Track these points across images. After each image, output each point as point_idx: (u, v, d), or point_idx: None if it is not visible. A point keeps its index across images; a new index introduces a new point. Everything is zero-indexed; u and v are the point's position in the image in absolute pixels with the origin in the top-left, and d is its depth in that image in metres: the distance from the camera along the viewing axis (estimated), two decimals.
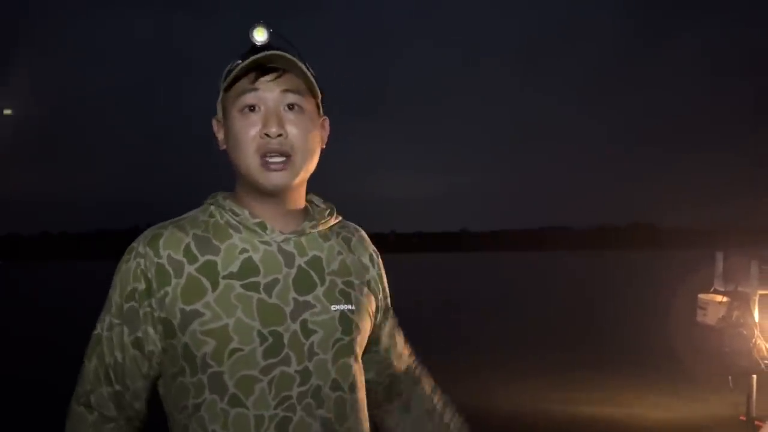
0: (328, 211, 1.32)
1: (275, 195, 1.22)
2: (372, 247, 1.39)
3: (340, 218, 1.35)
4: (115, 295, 1.21)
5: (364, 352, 1.36)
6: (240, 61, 1.19)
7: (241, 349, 1.14)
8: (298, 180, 1.22)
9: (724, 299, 6.00)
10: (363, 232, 1.40)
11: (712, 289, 6.35)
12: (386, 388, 1.44)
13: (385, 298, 1.40)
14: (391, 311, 1.45)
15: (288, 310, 1.18)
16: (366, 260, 1.36)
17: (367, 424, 1.29)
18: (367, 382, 1.37)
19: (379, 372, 1.42)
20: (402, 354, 1.46)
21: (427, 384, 1.50)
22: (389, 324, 1.43)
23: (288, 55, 1.17)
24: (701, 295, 6.45)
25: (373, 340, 1.38)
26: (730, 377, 5.87)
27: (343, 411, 1.21)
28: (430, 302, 18.77)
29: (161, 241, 1.19)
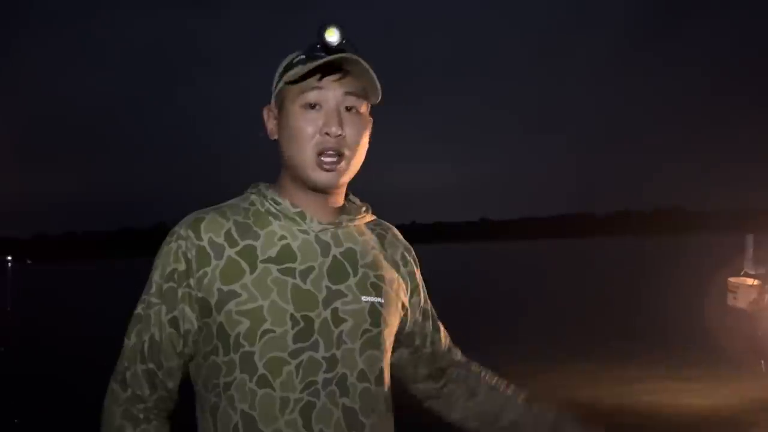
0: (363, 208, 1.35)
1: (321, 191, 1.26)
2: (405, 245, 1.42)
3: (374, 217, 1.38)
4: (155, 276, 1.24)
5: (413, 351, 1.41)
6: (303, 56, 1.22)
7: (272, 331, 1.17)
8: (344, 179, 1.26)
9: (756, 282, 5.90)
10: (396, 231, 1.42)
11: (742, 273, 6.25)
12: (435, 376, 1.45)
13: (418, 295, 1.41)
14: (430, 307, 1.46)
15: (321, 297, 1.21)
16: (398, 257, 1.38)
17: (391, 421, 1.29)
18: (419, 378, 1.43)
19: (429, 367, 1.44)
20: (448, 347, 1.48)
21: (477, 366, 1.50)
22: (430, 320, 1.45)
23: (362, 61, 1.19)
24: (732, 279, 6.36)
25: (416, 337, 1.41)
26: (762, 361, 5.77)
27: (369, 403, 1.22)
28: (454, 295, 18.73)
29: (203, 225, 1.23)
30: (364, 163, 1.30)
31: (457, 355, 1.49)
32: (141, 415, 1.23)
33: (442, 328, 1.48)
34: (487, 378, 1.47)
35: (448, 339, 1.49)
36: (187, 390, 1.31)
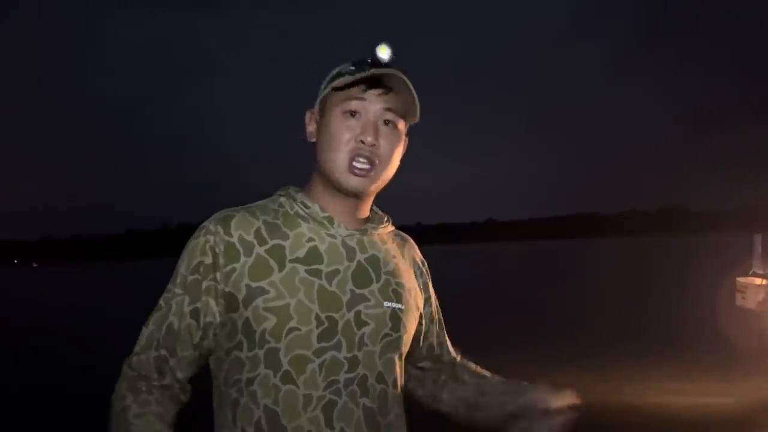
0: (385, 219, 1.41)
1: (350, 196, 1.31)
2: (420, 256, 1.49)
3: (394, 228, 1.44)
4: (181, 268, 1.28)
5: (434, 360, 1.50)
6: (353, 67, 1.28)
7: (298, 329, 1.20)
8: (374, 188, 1.31)
9: (764, 282, 5.87)
10: (413, 243, 1.49)
11: (750, 273, 6.23)
12: (436, 371, 1.53)
13: (430, 305, 1.49)
14: (441, 318, 1.55)
15: (345, 299, 1.25)
16: (415, 267, 1.45)
17: (404, 422, 1.33)
18: (421, 370, 1.51)
19: (434, 363, 1.52)
20: (452, 354, 1.56)
21: (474, 364, 1.56)
22: (439, 330, 1.53)
23: (405, 79, 1.26)
24: (740, 279, 6.33)
25: (434, 346, 1.50)
26: None
27: (385, 404, 1.27)
28: (461, 295, 18.72)
29: (233, 222, 1.27)
30: None
31: (462, 360, 1.57)
32: (143, 388, 1.25)
33: (448, 340, 1.57)
34: (483, 370, 1.53)
35: (455, 351, 1.58)
36: (198, 388, 1.32)
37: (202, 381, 1.32)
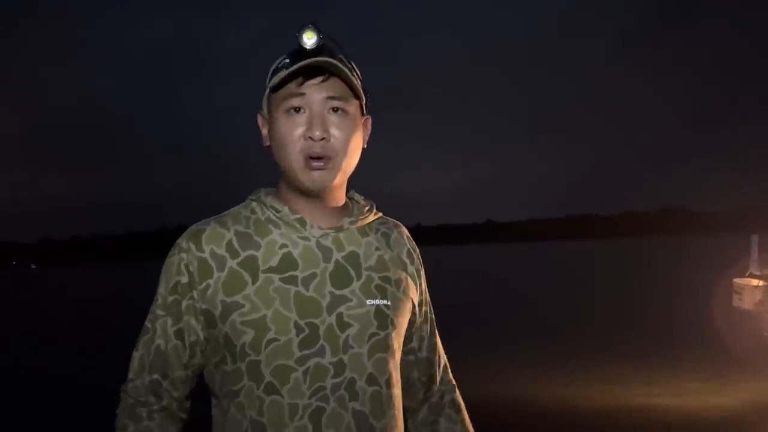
0: (367, 208, 1.34)
1: (315, 194, 1.26)
2: (411, 244, 1.41)
3: (380, 214, 1.38)
4: (161, 289, 1.27)
5: (407, 352, 1.38)
6: (287, 60, 1.22)
7: (277, 339, 1.18)
8: (337, 181, 1.25)
9: (761, 283, 5.87)
10: (404, 229, 1.41)
11: (747, 274, 6.23)
12: (425, 384, 1.44)
13: (421, 294, 1.40)
14: (431, 310, 1.46)
15: (324, 303, 1.21)
16: (404, 256, 1.37)
17: (401, 422, 1.29)
18: (408, 379, 1.40)
19: (421, 371, 1.43)
20: (441, 355, 1.47)
21: (460, 407, 1.47)
22: (428, 323, 1.44)
23: (334, 62, 1.19)
24: (737, 280, 6.33)
25: (413, 338, 1.40)
26: None
27: (379, 406, 1.22)
28: (460, 297, 18.70)
29: (204, 237, 1.24)
30: (366, 165, 1.29)
31: (449, 379, 1.48)
32: (144, 414, 1.26)
33: (437, 336, 1.47)
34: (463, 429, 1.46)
35: (444, 357, 1.48)
36: (202, 392, 1.32)
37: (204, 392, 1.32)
